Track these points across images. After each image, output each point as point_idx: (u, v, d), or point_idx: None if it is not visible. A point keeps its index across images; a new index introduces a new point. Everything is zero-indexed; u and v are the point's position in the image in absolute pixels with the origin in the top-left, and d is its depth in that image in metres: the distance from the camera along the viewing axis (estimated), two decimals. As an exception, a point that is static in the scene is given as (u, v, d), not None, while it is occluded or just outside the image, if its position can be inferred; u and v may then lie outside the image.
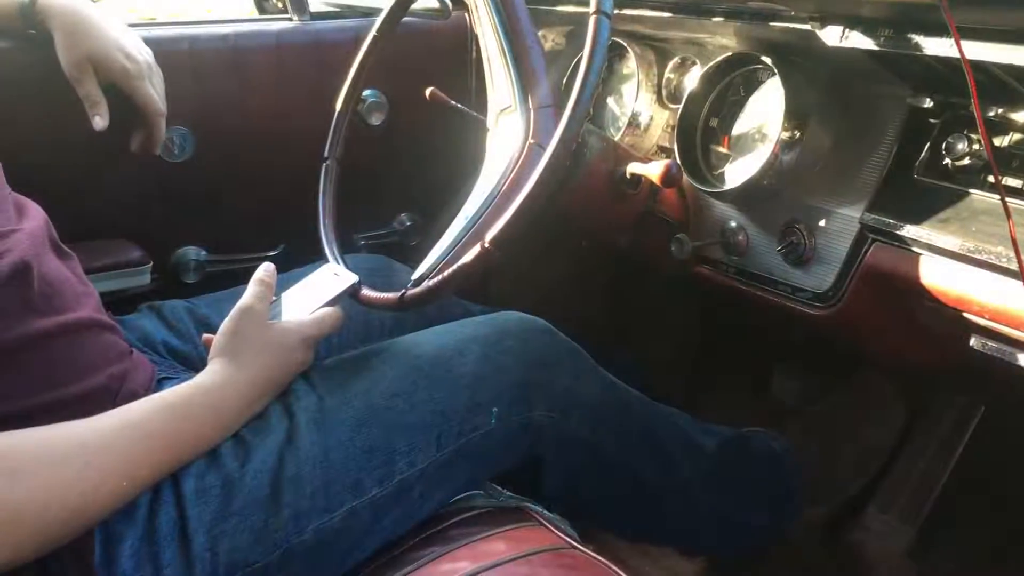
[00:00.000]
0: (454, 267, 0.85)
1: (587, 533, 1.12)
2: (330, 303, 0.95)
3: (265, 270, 0.98)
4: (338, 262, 1.07)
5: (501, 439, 0.97)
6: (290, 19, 1.35)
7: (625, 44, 1.23)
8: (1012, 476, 1.27)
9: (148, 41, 1.18)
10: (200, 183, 1.30)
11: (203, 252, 1.36)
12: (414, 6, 1.18)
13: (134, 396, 0.83)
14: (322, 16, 1.38)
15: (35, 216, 0.90)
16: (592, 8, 0.81)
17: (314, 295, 0.98)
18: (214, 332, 1.09)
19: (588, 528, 1.10)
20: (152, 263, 1.28)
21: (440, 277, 0.86)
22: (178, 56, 1.25)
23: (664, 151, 1.20)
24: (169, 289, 1.30)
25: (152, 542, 0.79)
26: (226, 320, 0.92)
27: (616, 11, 1.14)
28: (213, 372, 0.86)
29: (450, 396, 0.93)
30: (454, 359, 0.96)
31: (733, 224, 1.07)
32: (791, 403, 1.59)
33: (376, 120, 1.40)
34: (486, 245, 0.82)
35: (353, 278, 0.96)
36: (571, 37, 1.42)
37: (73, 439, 0.73)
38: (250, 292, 0.94)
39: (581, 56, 0.81)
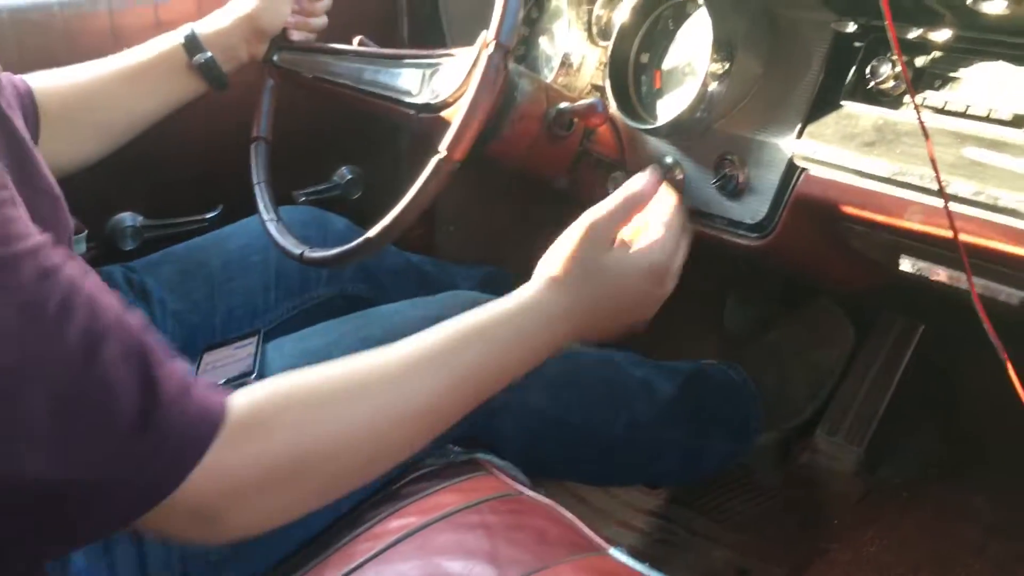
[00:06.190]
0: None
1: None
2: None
3: (643, 183, 0.83)
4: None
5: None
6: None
7: (553, -19, 1.22)
8: (953, 391, 1.31)
9: (65, 4, 1.14)
10: (132, 148, 1.27)
11: (139, 218, 1.33)
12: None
13: None
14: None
15: None
16: None
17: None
18: (151, 300, 1.08)
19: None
20: (87, 231, 1.26)
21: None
22: (99, 18, 1.21)
23: (597, 89, 1.19)
24: (105, 257, 1.28)
25: None
26: (566, 231, 0.80)
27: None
28: (526, 290, 0.76)
29: None
30: None
31: (669, 160, 1.07)
32: (745, 333, 1.61)
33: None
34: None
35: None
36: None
37: (370, 375, 0.67)
38: (604, 204, 0.80)
39: None
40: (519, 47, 1.30)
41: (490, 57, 0.81)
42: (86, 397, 0.50)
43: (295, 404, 0.63)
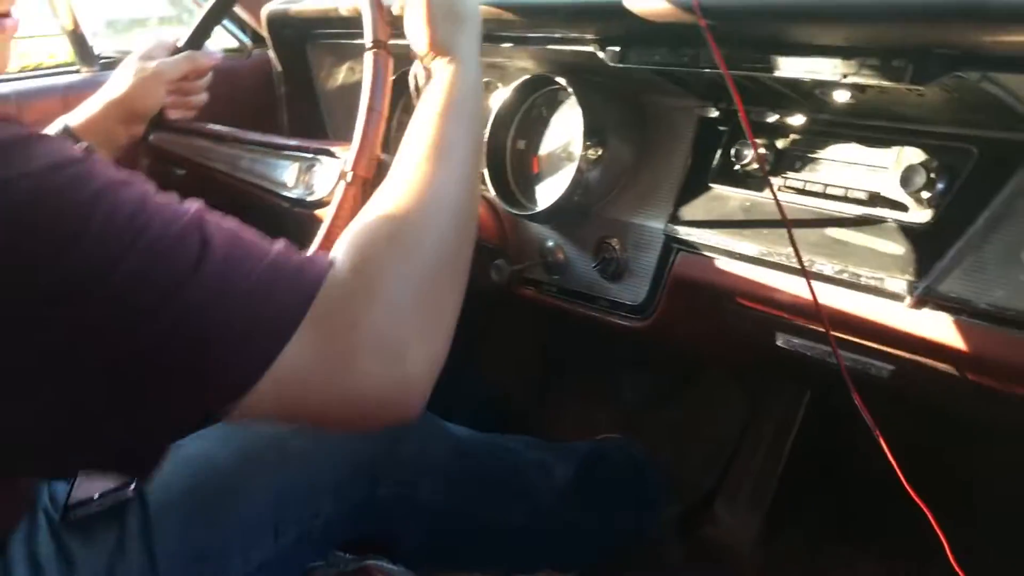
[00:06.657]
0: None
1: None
2: None
3: None
4: None
5: (346, 519, 0.92)
6: (77, 71, 1.28)
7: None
8: (845, 453, 1.33)
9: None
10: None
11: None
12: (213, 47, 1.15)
13: None
14: (113, 65, 1.32)
15: None
16: (368, 43, 0.80)
17: None
18: None
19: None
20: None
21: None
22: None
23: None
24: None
25: None
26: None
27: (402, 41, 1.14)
28: (439, 74, 0.79)
29: (286, 481, 0.87)
30: (288, 439, 0.90)
31: (550, 244, 1.08)
32: (641, 406, 1.62)
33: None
34: (347, 174, 0.80)
35: None
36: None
37: (420, 168, 0.71)
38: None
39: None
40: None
41: (347, 187, 0.80)
42: (240, 240, 0.59)
43: (380, 224, 0.66)
